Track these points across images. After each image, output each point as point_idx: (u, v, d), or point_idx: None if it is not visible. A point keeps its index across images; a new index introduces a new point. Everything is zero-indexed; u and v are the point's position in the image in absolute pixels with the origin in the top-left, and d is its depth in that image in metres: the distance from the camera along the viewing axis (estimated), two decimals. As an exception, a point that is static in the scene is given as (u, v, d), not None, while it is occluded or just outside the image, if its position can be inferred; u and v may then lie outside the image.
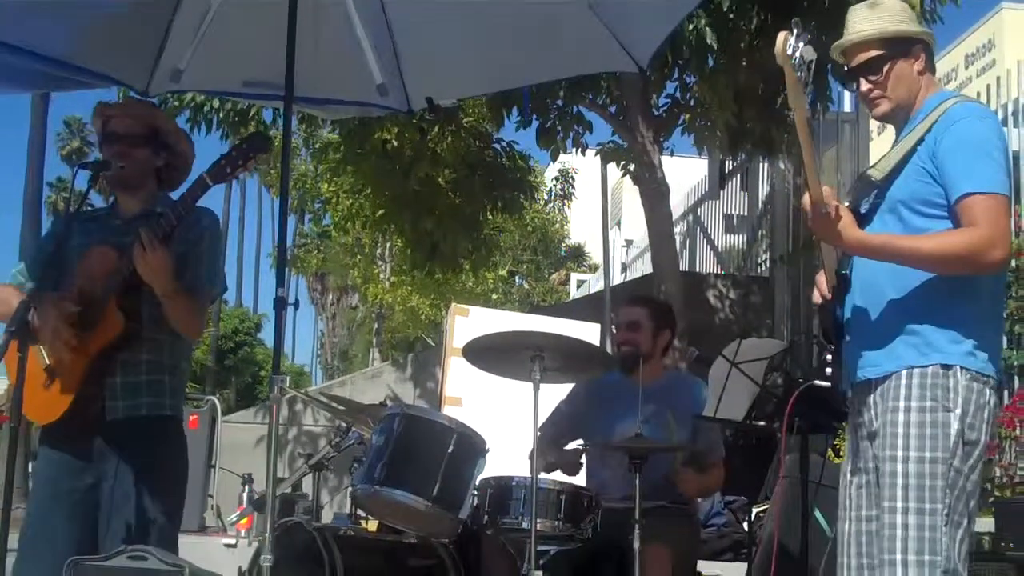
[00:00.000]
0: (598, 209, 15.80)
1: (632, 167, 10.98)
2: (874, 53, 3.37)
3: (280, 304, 3.64)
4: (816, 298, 3.51)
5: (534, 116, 10.39)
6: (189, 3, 4.57)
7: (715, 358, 5.06)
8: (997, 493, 9.90)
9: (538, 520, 4.18)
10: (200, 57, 4.68)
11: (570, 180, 25.64)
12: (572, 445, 5.28)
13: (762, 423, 4.95)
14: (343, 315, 48.53)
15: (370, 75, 4.81)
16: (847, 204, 3.32)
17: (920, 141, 3.28)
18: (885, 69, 3.38)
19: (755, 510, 6.61)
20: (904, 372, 3.22)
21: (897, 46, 3.38)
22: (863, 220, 3.33)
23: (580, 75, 8.62)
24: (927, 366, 3.19)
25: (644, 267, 18.15)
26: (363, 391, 13.39)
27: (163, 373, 3.79)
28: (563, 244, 34.25)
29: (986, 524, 8.44)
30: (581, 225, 32.29)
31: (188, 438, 3.97)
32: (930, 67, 3.47)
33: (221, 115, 10.35)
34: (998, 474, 10.06)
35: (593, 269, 30.75)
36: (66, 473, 3.71)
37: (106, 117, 3.89)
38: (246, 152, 3.63)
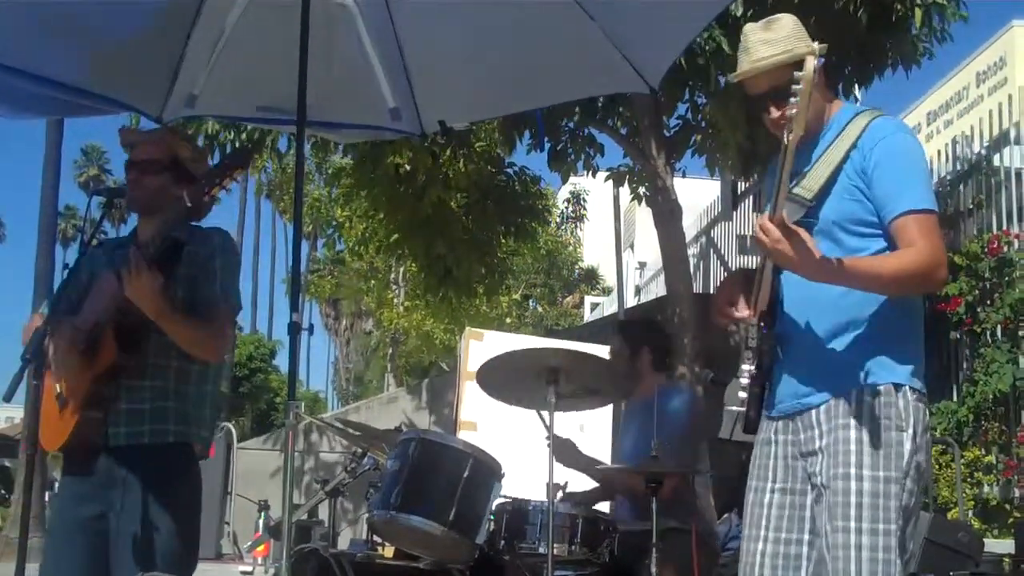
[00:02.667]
0: (611, 231, 15.82)
1: (644, 189, 10.98)
2: (784, 79, 3.16)
3: (294, 329, 3.63)
4: (723, 316, 3.35)
5: (546, 139, 10.40)
6: (202, 29, 4.59)
7: (730, 380, 5.03)
8: (1017, 514, 9.85)
9: (555, 545, 4.17)
10: (214, 83, 4.70)
11: (582, 202, 25.66)
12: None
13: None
14: (357, 340, 48.63)
15: (383, 99, 4.82)
16: None
17: (846, 157, 3.22)
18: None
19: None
20: (854, 391, 3.14)
21: (800, 68, 3.26)
22: None
23: (592, 96, 8.64)
24: (878, 385, 3.13)
25: (658, 289, 18.13)
26: (378, 416, 13.41)
27: (167, 400, 3.74)
28: (576, 267, 34.29)
29: (1006, 546, 8.40)
30: (594, 248, 32.34)
31: (204, 466, 3.93)
32: (828, 77, 3.40)
33: (235, 143, 10.38)
34: (1017, 495, 10.01)
35: (607, 292, 30.76)
36: (78, 502, 3.70)
37: (130, 145, 3.90)
38: (225, 167, 3.62)
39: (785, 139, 3.00)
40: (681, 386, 5.89)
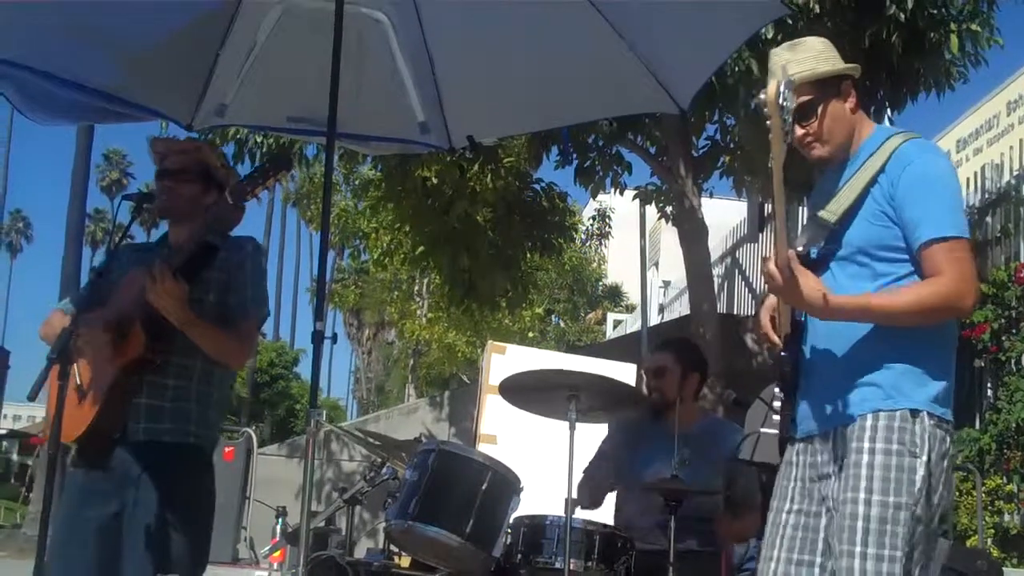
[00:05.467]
0: (635, 249, 15.79)
1: (670, 209, 10.98)
2: (805, 97, 3.23)
3: (318, 337, 3.66)
4: (760, 334, 3.39)
5: (573, 155, 10.42)
6: (235, 39, 4.64)
7: (752, 401, 5.03)
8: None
9: (571, 560, 4.16)
10: (245, 92, 4.75)
11: (607, 219, 25.63)
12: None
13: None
14: (379, 350, 48.65)
15: (412, 113, 4.86)
16: (800, 249, 3.20)
17: (873, 182, 3.19)
18: (819, 111, 3.28)
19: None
20: (870, 415, 3.11)
21: (827, 86, 3.28)
22: (816, 266, 3.22)
23: (621, 116, 8.65)
24: (895, 410, 3.09)
25: (681, 308, 18.08)
26: (398, 427, 13.40)
27: (189, 401, 3.78)
28: (600, 283, 34.23)
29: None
30: (618, 265, 32.25)
31: (223, 470, 3.95)
32: (860, 101, 3.37)
33: (264, 150, 10.43)
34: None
35: (630, 309, 30.68)
36: (90, 500, 3.71)
37: (160, 155, 3.94)
38: (267, 171, 3.66)
39: (776, 168, 2.98)
40: (728, 420, 5.80)
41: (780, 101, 2.84)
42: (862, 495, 3.05)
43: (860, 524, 3.04)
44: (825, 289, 3.08)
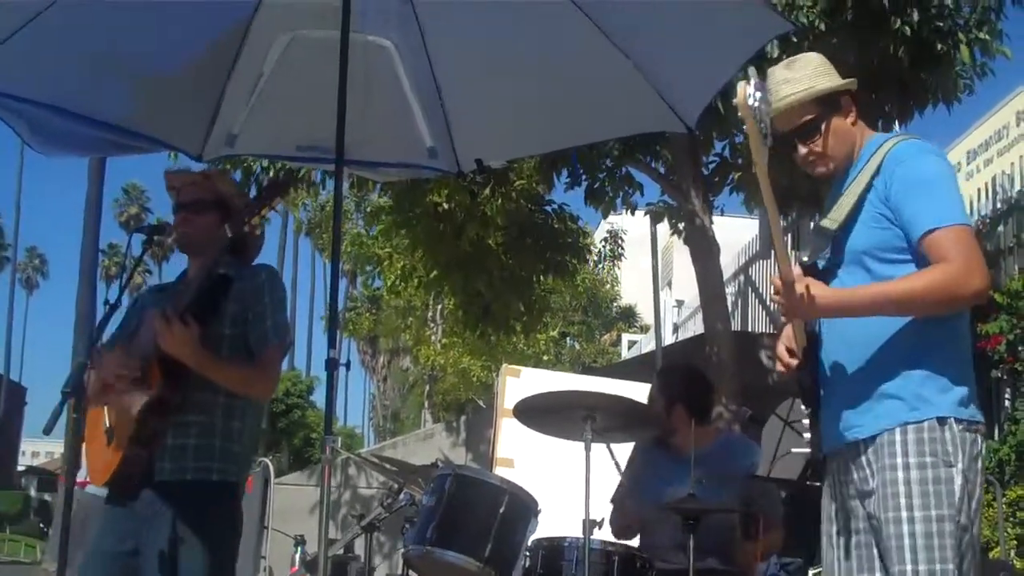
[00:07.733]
0: (648, 270, 15.81)
1: (682, 227, 10.99)
2: (808, 116, 3.25)
3: (332, 365, 3.65)
4: (780, 368, 3.35)
5: (583, 177, 10.43)
6: (242, 69, 4.65)
7: (768, 418, 5.01)
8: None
9: (591, 582, 4.14)
10: (253, 122, 4.77)
11: (619, 240, 25.66)
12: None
13: (819, 484, 4.89)
14: (395, 377, 48.70)
15: (420, 138, 4.86)
16: (805, 259, 3.21)
17: (869, 187, 3.18)
18: (823, 129, 3.28)
19: (811, 572, 6.51)
20: (898, 429, 3.07)
21: (829, 103, 3.28)
22: (823, 276, 3.20)
23: (629, 135, 8.66)
24: (921, 421, 3.06)
25: (695, 327, 18.05)
26: (415, 452, 13.41)
27: (214, 437, 3.74)
28: (614, 304, 34.23)
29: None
30: (632, 286, 32.30)
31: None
32: (868, 114, 3.39)
33: (271, 175, 10.44)
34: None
35: (644, 330, 30.67)
36: (114, 536, 3.70)
37: (176, 189, 3.94)
38: (264, 197, 3.65)
39: (760, 173, 2.98)
40: (743, 436, 5.74)
41: (750, 102, 2.81)
42: (904, 513, 3.03)
43: (907, 542, 3.01)
44: (826, 290, 3.08)
